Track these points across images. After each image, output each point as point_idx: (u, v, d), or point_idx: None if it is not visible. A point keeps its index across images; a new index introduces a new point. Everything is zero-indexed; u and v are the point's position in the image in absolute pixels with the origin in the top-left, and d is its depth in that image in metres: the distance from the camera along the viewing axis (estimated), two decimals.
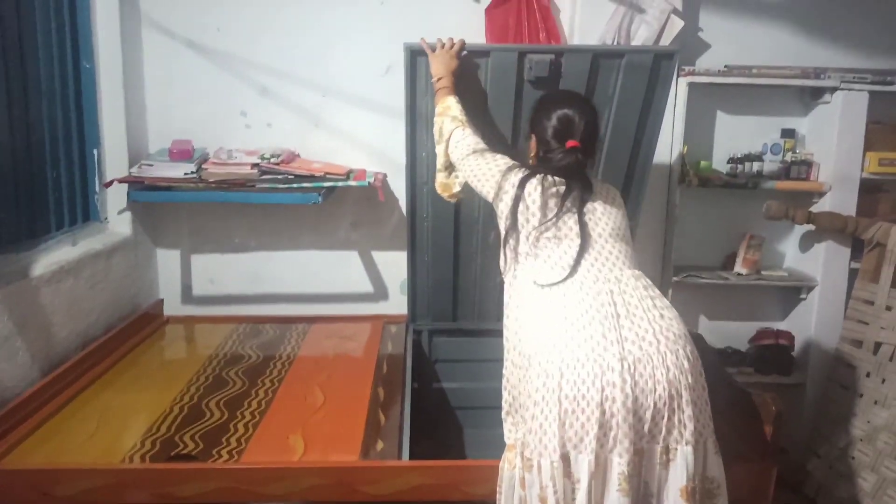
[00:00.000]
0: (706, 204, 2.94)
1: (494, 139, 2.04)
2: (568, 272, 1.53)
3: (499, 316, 2.59)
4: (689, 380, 1.41)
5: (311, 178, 2.39)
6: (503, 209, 1.64)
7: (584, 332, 1.43)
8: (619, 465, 1.36)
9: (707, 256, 3.01)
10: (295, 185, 2.37)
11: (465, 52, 2.04)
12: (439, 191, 2.01)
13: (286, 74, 2.63)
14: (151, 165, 2.39)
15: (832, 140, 2.81)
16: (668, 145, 2.74)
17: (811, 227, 2.86)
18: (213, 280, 2.79)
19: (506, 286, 1.67)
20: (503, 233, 1.65)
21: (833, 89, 2.77)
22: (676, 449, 1.39)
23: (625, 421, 1.36)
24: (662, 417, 1.38)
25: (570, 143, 1.61)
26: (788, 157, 2.87)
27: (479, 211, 2.30)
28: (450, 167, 1.92)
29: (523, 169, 1.65)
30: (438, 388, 2.64)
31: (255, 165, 2.38)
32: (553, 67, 2.06)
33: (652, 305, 1.50)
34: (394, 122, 2.60)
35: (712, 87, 2.76)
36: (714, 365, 1.92)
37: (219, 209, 2.70)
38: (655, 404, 1.37)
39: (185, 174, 2.36)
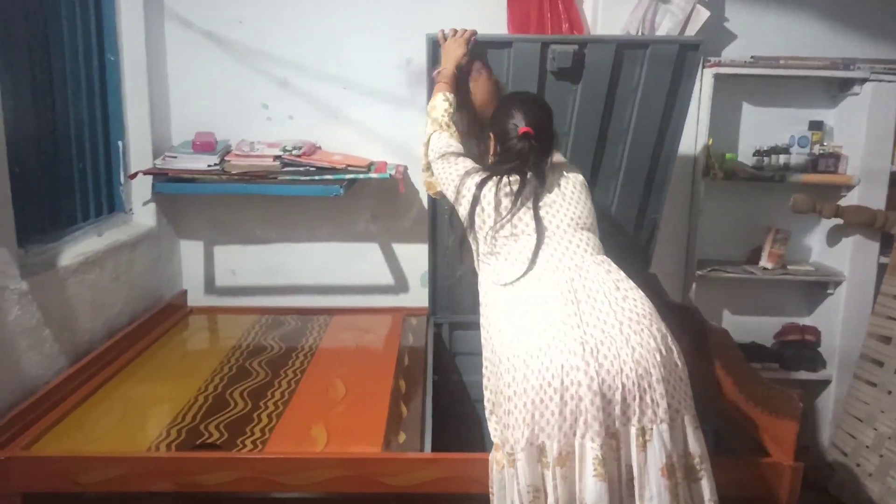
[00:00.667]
0: (731, 197, 2.90)
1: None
2: (526, 268, 1.55)
3: None
4: (657, 357, 1.39)
5: (333, 170, 2.40)
6: (462, 213, 1.69)
7: (543, 321, 1.44)
8: (592, 449, 1.34)
9: (732, 251, 2.97)
10: (317, 178, 2.38)
11: (474, 41, 2.02)
12: (426, 188, 2.01)
13: (307, 67, 2.64)
14: (175, 157, 2.41)
15: (861, 132, 2.75)
16: (693, 137, 2.71)
17: (839, 221, 2.81)
18: (235, 271, 2.81)
19: (479, 286, 1.70)
20: (466, 235, 1.70)
21: (862, 80, 2.71)
22: (652, 429, 1.37)
23: (592, 404, 1.35)
24: (634, 398, 1.36)
25: (522, 129, 1.68)
26: (816, 149, 2.81)
27: None
28: (430, 167, 1.93)
29: (481, 172, 1.69)
30: (458, 380, 2.64)
31: (276, 157, 2.39)
32: (576, 58, 2.03)
33: (614, 288, 1.50)
34: (414, 115, 2.60)
35: (738, 78, 2.71)
36: (739, 360, 1.90)
37: (241, 201, 2.72)
38: (624, 385, 1.36)
39: (209, 166, 2.38)
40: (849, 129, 2.81)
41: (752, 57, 2.72)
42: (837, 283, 2.87)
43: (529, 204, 1.62)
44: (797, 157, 2.81)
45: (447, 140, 1.84)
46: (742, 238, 2.96)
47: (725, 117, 2.82)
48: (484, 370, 1.62)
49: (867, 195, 2.77)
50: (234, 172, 2.38)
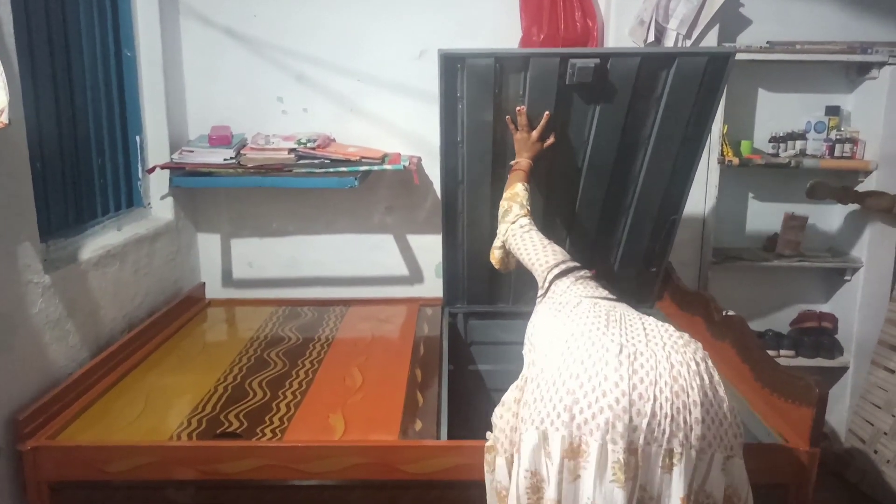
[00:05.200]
0: (747, 184, 2.88)
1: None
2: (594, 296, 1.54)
3: (534, 298, 2.61)
4: (698, 381, 1.28)
5: (347, 162, 2.41)
6: (556, 271, 1.69)
7: (582, 318, 1.41)
8: (613, 452, 1.24)
9: (748, 238, 2.96)
10: (331, 170, 2.40)
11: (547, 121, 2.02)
12: (495, 263, 2.02)
13: (321, 60, 2.65)
14: (192, 152, 2.44)
15: (879, 117, 2.72)
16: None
17: (856, 206, 2.79)
18: (252, 264, 2.84)
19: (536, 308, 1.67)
20: (548, 281, 1.69)
21: (881, 64, 2.68)
22: (681, 453, 1.25)
23: (618, 403, 1.24)
24: (666, 416, 1.24)
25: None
26: (833, 134, 2.79)
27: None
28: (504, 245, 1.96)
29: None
30: (474, 370, 2.66)
31: (291, 150, 2.41)
32: (597, 73, 1.93)
33: (674, 329, 1.41)
34: (428, 107, 2.60)
35: (754, 63, 2.69)
36: (755, 348, 1.89)
37: (257, 194, 2.74)
38: (656, 398, 1.25)
39: (225, 160, 2.40)
40: (866, 113, 2.78)
41: (767, 42, 2.69)
42: (855, 270, 2.85)
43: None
44: (814, 142, 2.79)
45: (535, 229, 1.88)
46: (758, 225, 2.95)
47: (741, 103, 2.80)
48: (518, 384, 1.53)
49: (885, 180, 2.74)
50: (249, 166, 2.40)
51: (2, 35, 1.62)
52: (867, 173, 2.77)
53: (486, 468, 1.49)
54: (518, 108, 2.02)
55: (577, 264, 1.70)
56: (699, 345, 1.38)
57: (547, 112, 2.01)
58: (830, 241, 2.98)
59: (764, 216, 2.93)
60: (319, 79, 2.67)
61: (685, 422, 1.24)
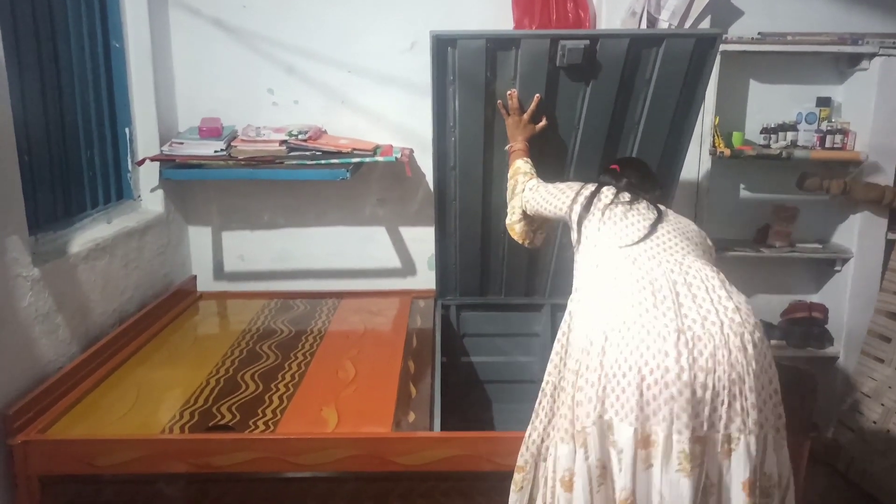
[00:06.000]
0: (738, 175, 2.89)
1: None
2: (627, 244, 1.53)
3: (527, 290, 2.62)
4: (755, 365, 1.31)
5: (339, 154, 2.40)
6: (578, 207, 1.70)
7: (633, 299, 1.38)
8: (679, 442, 1.27)
9: (739, 229, 2.97)
10: (323, 162, 2.38)
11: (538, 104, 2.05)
12: (518, 238, 2.05)
13: (312, 52, 2.63)
14: (182, 144, 2.42)
15: (869, 108, 2.73)
16: (700, 115, 2.68)
17: (847, 197, 2.80)
18: (243, 256, 2.83)
19: (575, 271, 1.67)
20: (575, 223, 1.69)
21: (871, 55, 2.69)
22: (739, 438, 1.29)
23: (681, 395, 1.27)
24: (723, 403, 1.28)
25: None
26: (824, 126, 2.79)
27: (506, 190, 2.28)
28: (526, 217, 1.98)
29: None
30: (467, 362, 2.66)
31: (283, 142, 2.39)
32: (587, 54, 1.95)
33: (719, 285, 1.42)
34: (419, 99, 2.58)
35: (745, 55, 2.69)
36: None
37: (248, 186, 2.73)
38: (714, 387, 1.28)
39: (215, 152, 2.39)
40: (857, 104, 2.79)
41: (758, 33, 2.69)
42: (845, 260, 2.86)
43: (647, 203, 1.67)
44: (805, 134, 2.79)
45: (545, 184, 1.91)
46: (749, 216, 2.96)
47: (732, 95, 2.81)
48: (553, 366, 1.52)
49: (875, 171, 2.76)
50: (240, 158, 2.39)
51: None
52: (858, 164, 2.79)
53: (513, 487, 1.51)
54: (509, 91, 2.04)
55: (593, 188, 1.73)
56: (756, 319, 1.39)
57: (538, 95, 2.03)
58: (821, 232, 3.00)
59: (755, 207, 2.94)
60: (310, 70, 2.65)
61: (742, 408, 1.29)
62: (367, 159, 2.43)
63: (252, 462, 1.60)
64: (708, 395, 1.28)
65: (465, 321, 2.65)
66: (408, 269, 2.86)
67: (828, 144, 2.79)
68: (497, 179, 2.23)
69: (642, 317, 1.34)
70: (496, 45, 1.98)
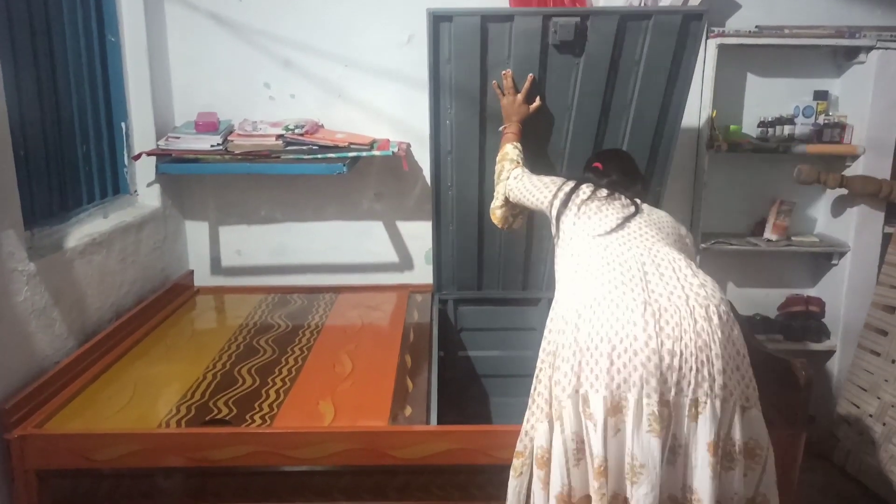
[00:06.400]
0: (735, 169, 2.88)
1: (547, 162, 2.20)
2: (599, 234, 1.61)
3: (524, 285, 2.62)
4: (719, 334, 1.38)
5: (336, 148, 2.40)
6: (557, 202, 1.78)
7: (602, 278, 1.46)
8: (648, 405, 1.34)
9: (736, 223, 2.97)
10: (319, 156, 2.38)
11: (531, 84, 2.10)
12: (497, 223, 2.11)
13: (308, 46, 2.63)
14: (178, 138, 2.42)
15: (867, 101, 2.73)
16: (697, 109, 2.69)
17: (844, 191, 2.80)
18: (240, 251, 2.83)
19: (556, 268, 1.73)
20: (554, 218, 1.77)
21: (868, 48, 2.68)
22: (706, 402, 1.36)
23: (649, 361, 1.34)
24: (691, 369, 1.35)
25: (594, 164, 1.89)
26: (821, 119, 2.79)
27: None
28: (508, 203, 2.04)
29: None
30: (464, 356, 2.66)
31: (279, 137, 2.39)
32: (578, 31, 2.02)
33: (685, 265, 1.50)
34: (416, 93, 2.59)
35: (742, 48, 2.69)
36: (743, 332, 1.90)
37: (245, 181, 2.73)
38: (681, 353, 1.35)
39: (212, 146, 2.38)
40: (854, 98, 2.79)
41: (756, 27, 2.69)
42: (842, 254, 2.86)
43: (624, 199, 1.74)
44: (802, 127, 2.79)
45: (530, 174, 1.97)
46: (746, 210, 2.95)
47: (729, 88, 2.80)
48: (541, 352, 1.56)
49: (872, 165, 2.76)
50: (237, 152, 2.38)
51: None
52: (854, 158, 2.78)
53: (512, 472, 1.53)
54: (504, 71, 2.09)
55: (572, 184, 1.81)
56: (721, 295, 1.47)
57: (531, 74, 2.09)
58: (818, 226, 3.00)
59: (752, 201, 2.94)
60: (307, 65, 2.64)
61: (709, 374, 1.36)
62: (364, 153, 2.43)
63: (249, 456, 1.60)
64: (676, 361, 1.35)
65: (462, 315, 2.65)
66: (405, 263, 2.86)
67: (825, 138, 2.78)
68: (492, 167, 2.24)
69: (611, 293, 1.42)
70: (490, 20, 2.03)
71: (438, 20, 2.03)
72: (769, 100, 2.84)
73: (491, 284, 2.62)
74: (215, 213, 2.79)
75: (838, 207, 2.91)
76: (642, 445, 1.34)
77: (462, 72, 2.11)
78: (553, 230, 1.79)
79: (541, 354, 1.55)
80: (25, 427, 1.62)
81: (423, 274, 2.80)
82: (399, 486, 1.68)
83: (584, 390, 1.38)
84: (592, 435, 1.36)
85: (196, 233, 2.81)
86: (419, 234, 2.79)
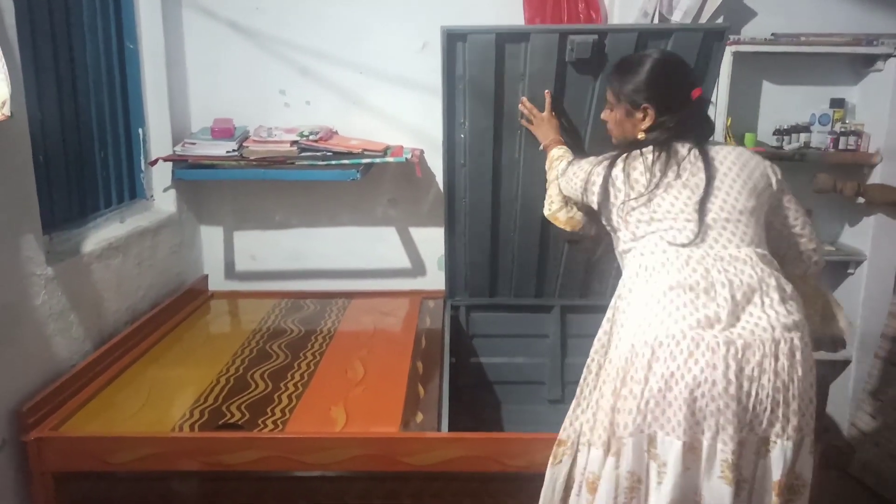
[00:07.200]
0: None
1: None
2: (695, 228, 1.45)
3: (537, 291, 2.61)
4: (800, 372, 1.34)
5: (350, 154, 2.41)
6: (596, 189, 1.63)
7: (683, 309, 1.36)
8: (722, 452, 1.30)
9: None
10: (333, 162, 2.40)
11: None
12: (567, 227, 1.92)
13: (324, 53, 2.64)
14: (194, 144, 2.44)
15: (884, 109, 2.70)
16: (712, 117, 2.67)
17: (861, 200, 2.77)
18: (254, 256, 2.85)
19: (624, 270, 1.59)
20: (612, 215, 1.60)
21: (886, 56, 2.66)
22: (776, 442, 1.33)
23: (727, 408, 1.30)
24: (766, 409, 1.32)
25: (698, 91, 1.61)
26: (838, 127, 2.77)
27: (517, 187, 2.28)
28: (568, 201, 1.88)
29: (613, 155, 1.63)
30: (476, 362, 2.66)
31: (294, 143, 2.41)
32: (596, 49, 1.96)
33: (774, 287, 1.40)
34: (430, 99, 2.58)
35: (758, 56, 2.67)
36: None
37: (260, 187, 2.75)
38: (757, 394, 1.31)
39: (227, 152, 2.41)
40: (872, 106, 2.76)
41: (772, 34, 2.67)
42: (858, 263, 2.84)
43: (674, 176, 1.52)
44: (818, 135, 2.77)
45: (577, 161, 1.82)
46: None
47: (745, 96, 2.79)
48: (595, 341, 1.52)
49: (890, 173, 2.73)
50: (252, 158, 2.40)
51: (3, 27, 1.61)
52: (872, 166, 2.76)
53: (551, 460, 1.51)
54: (521, 99, 2.06)
55: (607, 163, 1.61)
56: (803, 317, 1.40)
57: (547, 91, 2.04)
58: (834, 235, 2.97)
59: None
60: (322, 72, 2.66)
61: (783, 414, 1.33)
62: (378, 160, 2.44)
63: (261, 461, 1.61)
64: (752, 402, 1.32)
65: (474, 322, 2.65)
66: (418, 269, 2.86)
67: (841, 146, 2.76)
68: (506, 176, 2.24)
69: (693, 329, 1.34)
70: (506, 39, 1.99)
71: (454, 39, 1.98)
72: (785, 108, 2.82)
73: (503, 291, 2.61)
74: (230, 219, 2.82)
75: (855, 216, 2.89)
76: (712, 490, 1.32)
77: (476, 88, 2.07)
78: (604, 221, 1.64)
79: (598, 346, 1.50)
80: (42, 429, 1.63)
81: (435, 280, 2.81)
82: (411, 492, 1.68)
83: (653, 430, 1.34)
84: (654, 477, 1.34)
85: (211, 238, 2.83)
86: (432, 240, 2.79)
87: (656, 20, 2.51)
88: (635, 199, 1.52)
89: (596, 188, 1.62)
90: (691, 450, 1.33)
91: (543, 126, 2.04)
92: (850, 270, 2.87)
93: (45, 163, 1.92)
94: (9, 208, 1.65)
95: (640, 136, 1.62)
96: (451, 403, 1.79)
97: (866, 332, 2.84)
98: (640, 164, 1.55)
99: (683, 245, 1.45)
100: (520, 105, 2.06)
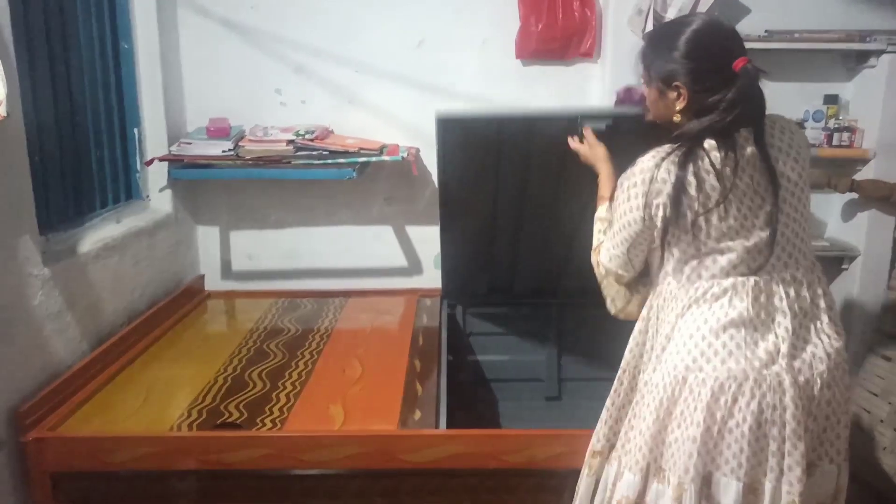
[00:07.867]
0: None
1: None
2: (744, 273, 1.32)
3: (533, 289, 2.62)
4: (845, 403, 1.36)
5: (345, 153, 2.41)
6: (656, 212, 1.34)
7: (752, 345, 1.30)
8: (788, 494, 1.28)
9: None
10: (329, 161, 2.40)
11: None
12: (626, 317, 1.56)
13: (319, 51, 2.65)
14: (190, 144, 2.44)
15: (878, 105, 2.71)
16: None
17: (854, 195, 2.78)
18: (251, 256, 2.85)
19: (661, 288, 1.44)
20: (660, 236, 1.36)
21: (879, 52, 2.67)
22: (820, 466, 1.34)
23: (795, 448, 1.27)
24: (815, 438, 1.33)
25: (741, 62, 1.35)
26: (831, 123, 2.78)
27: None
28: (629, 284, 1.52)
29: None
30: (473, 360, 2.67)
31: (290, 142, 2.41)
32: (608, 132, 1.80)
33: (825, 309, 1.38)
34: (426, 97, 2.60)
35: (752, 52, 2.60)
36: None
37: (256, 186, 2.75)
38: (814, 429, 1.33)
39: (223, 152, 2.41)
40: (865, 102, 2.77)
41: (765, 31, 2.68)
42: (852, 258, 2.85)
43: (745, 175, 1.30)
44: (812, 131, 2.78)
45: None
46: None
47: None
48: (627, 353, 1.45)
49: (883, 169, 2.74)
50: (248, 157, 2.40)
51: None
52: (865, 162, 2.77)
53: (586, 471, 1.51)
54: (570, 138, 1.77)
55: (666, 155, 1.31)
56: (843, 336, 1.40)
57: (586, 126, 1.76)
58: (828, 230, 2.98)
59: None
60: (318, 70, 2.66)
61: (831, 443, 1.35)
62: (374, 158, 2.44)
63: (260, 459, 1.61)
64: (811, 437, 1.33)
65: (471, 320, 2.66)
66: (414, 267, 2.87)
67: (835, 142, 2.77)
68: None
69: (755, 370, 1.28)
70: (512, 125, 1.92)
71: (447, 125, 1.91)
72: (779, 104, 2.75)
73: (500, 289, 2.62)
74: (226, 218, 2.81)
75: (849, 212, 2.90)
76: None
77: (475, 168, 2.05)
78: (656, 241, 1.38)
79: (630, 358, 1.46)
80: (40, 430, 1.63)
81: (432, 278, 2.81)
82: (410, 489, 1.69)
83: (709, 470, 1.31)
84: None
85: (207, 237, 2.83)
86: (429, 238, 2.79)
87: (651, 18, 2.51)
88: (708, 211, 1.29)
89: (661, 199, 1.30)
90: (750, 489, 1.31)
91: (592, 152, 1.70)
92: (843, 266, 2.88)
93: (41, 163, 1.92)
94: (5, 209, 1.65)
95: (676, 118, 1.38)
96: (448, 401, 1.80)
97: (860, 328, 2.85)
98: (710, 166, 1.29)
99: (752, 270, 1.31)
100: (570, 142, 1.75)
